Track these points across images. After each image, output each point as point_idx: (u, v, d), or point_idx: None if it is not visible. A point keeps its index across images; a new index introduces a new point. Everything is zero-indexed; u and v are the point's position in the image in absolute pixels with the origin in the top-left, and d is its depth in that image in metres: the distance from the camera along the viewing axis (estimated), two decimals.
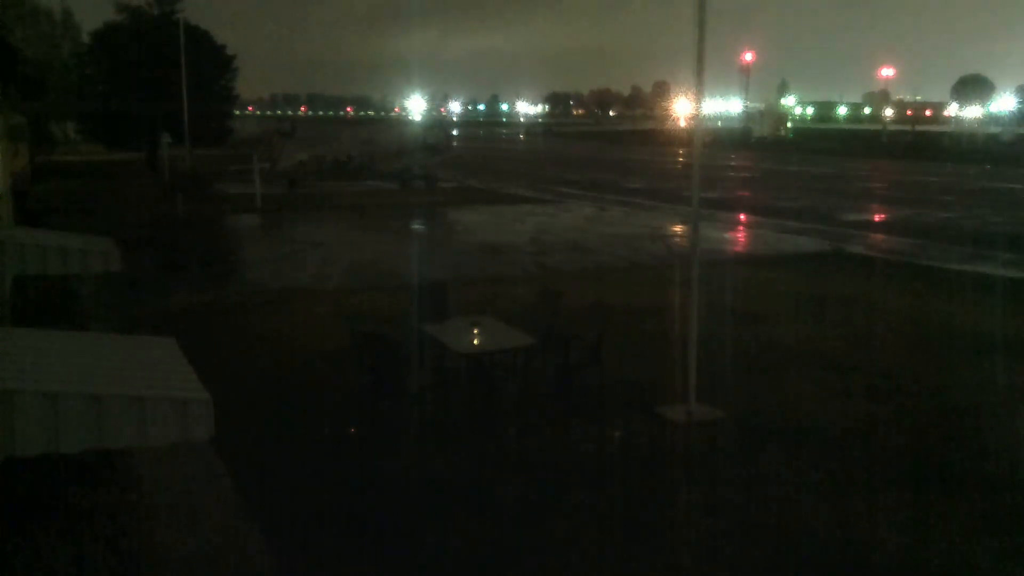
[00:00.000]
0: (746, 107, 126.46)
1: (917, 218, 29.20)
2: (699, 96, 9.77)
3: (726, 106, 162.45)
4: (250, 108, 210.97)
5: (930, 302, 15.89)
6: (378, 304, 14.42)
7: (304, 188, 36.72)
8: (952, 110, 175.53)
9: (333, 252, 21.64)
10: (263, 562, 6.67)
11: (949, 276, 18.61)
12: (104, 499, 6.99)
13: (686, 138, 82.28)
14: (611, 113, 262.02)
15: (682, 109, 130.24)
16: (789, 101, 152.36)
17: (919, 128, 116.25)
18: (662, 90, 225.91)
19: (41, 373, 5.46)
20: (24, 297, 12.20)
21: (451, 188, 38.44)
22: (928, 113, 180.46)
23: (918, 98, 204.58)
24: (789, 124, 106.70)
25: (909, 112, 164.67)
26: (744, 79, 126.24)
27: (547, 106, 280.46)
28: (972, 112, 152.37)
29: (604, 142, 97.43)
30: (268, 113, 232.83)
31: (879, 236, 25.14)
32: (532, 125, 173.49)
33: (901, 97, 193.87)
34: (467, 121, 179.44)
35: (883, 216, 30.63)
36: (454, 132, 47.58)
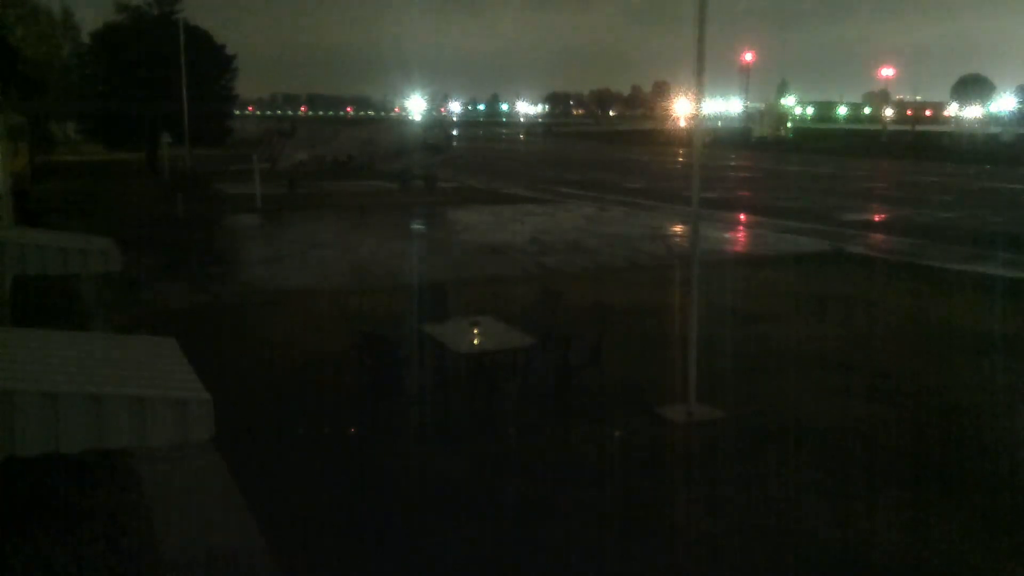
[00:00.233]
0: (746, 107, 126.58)
1: (917, 218, 29.19)
2: (699, 96, 9.78)
3: (726, 106, 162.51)
4: (250, 108, 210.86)
5: (930, 302, 15.90)
6: (378, 304, 14.42)
7: (304, 188, 36.72)
8: (952, 110, 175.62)
9: (333, 252, 21.64)
10: (263, 562, 6.67)
11: (949, 276, 18.61)
12: (104, 499, 6.99)
13: (686, 138, 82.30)
14: (611, 113, 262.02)
15: (682, 109, 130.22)
16: (789, 101, 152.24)
17: (919, 128, 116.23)
18: (662, 90, 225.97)
19: (41, 373, 5.46)
20: (24, 297, 12.21)
21: (451, 188, 38.44)
22: (928, 113, 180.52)
23: (918, 98, 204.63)
24: (789, 124, 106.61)
25: (909, 112, 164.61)
26: (744, 79, 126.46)
27: (547, 106, 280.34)
28: (972, 112, 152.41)
29: (604, 142, 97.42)
30: (268, 113, 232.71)
31: (879, 236, 25.14)
32: (532, 125, 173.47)
33: (901, 97, 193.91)
34: (467, 121, 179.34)
35: (883, 216, 30.63)
36: (454, 132, 47.46)
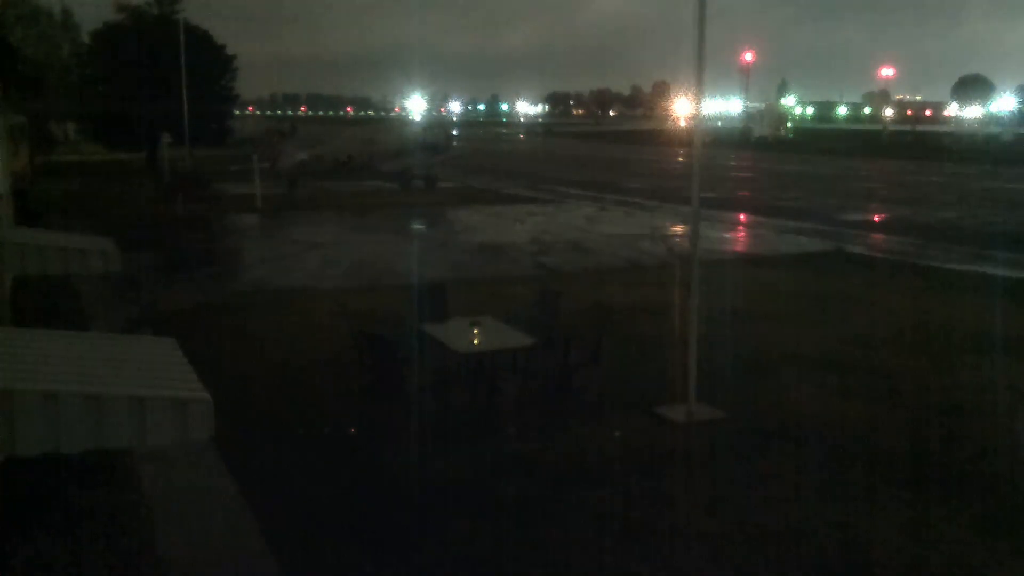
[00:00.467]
0: (746, 107, 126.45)
1: (917, 218, 29.20)
2: (699, 96, 9.77)
3: (726, 106, 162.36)
4: (250, 108, 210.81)
5: (930, 302, 15.89)
6: (378, 304, 14.41)
7: (304, 188, 36.71)
8: (952, 110, 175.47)
9: (333, 252, 21.64)
10: (263, 562, 6.67)
11: (949, 276, 18.62)
12: (104, 499, 6.99)
13: (686, 138, 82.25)
14: (611, 113, 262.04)
15: (682, 109, 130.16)
16: (789, 101, 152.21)
17: (919, 128, 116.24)
18: (662, 90, 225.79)
19: (41, 373, 5.46)
20: (24, 297, 12.22)
21: (451, 188, 38.45)
22: (928, 113, 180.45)
23: (918, 98, 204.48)
24: (789, 124, 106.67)
25: (909, 112, 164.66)
26: (744, 79, 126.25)
27: (547, 106, 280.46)
28: (972, 112, 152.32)
29: (604, 142, 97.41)
30: (268, 113, 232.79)
31: (879, 236, 25.15)
32: (532, 125, 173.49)
33: (901, 97, 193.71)
34: (467, 121, 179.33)
35: (883, 216, 30.62)
36: (454, 132, 47.53)
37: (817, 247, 22.50)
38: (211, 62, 52.74)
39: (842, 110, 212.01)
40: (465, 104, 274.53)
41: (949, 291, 16.90)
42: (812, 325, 13.87)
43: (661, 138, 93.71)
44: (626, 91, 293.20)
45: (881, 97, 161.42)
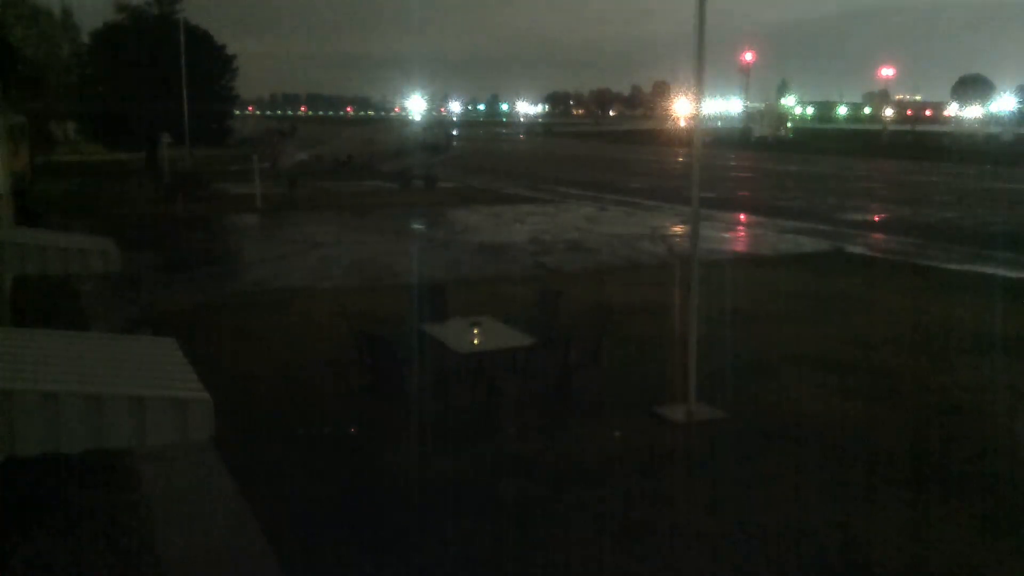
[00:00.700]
0: (746, 107, 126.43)
1: (917, 218, 29.20)
2: (699, 96, 9.77)
3: (726, 106, 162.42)
4: (250, 108, 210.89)
5: (930, 302, 15.89)
6: (378, 304, 14.42)
7: (304, 188, 36.72)
8: (952, 110, 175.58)
9: (333, 252, 21.64)
10: (264, 562, 6.67)
11: (949, 276, 18.62)
12: (104, 499, 6.99)
13: (686, 138, 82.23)
14: (611, 113, 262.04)
15: (682, 109, 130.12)
16: (789, 101, 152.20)
17: (919, 128, 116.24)
18: (662, 90, 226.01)
19: (41, 373, 5.46)
20: (24, 297, 12.22)
21: (451, 188, 38.45)
22: (928, 113, 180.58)
23: (918, 98, 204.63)
24: (789, 124, 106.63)
25: (909, 112, 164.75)
26: (744, 79, 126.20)
27: (547, 106, 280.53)
28: (972, 112, 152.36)
29: (604, 142, 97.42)
30: (268, 113, 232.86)
31: (879, 236, 25.14)
32: (532, 125, 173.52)
33: (901, 97, 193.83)
34: (467, 121, 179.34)
35: (883, 216, 30.62)
36: (454, 132, 47.56)
37: (817, 247, 22.51)
38: (211, 62, 52.80)
39: (842, 110, 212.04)
40: (465, 104, 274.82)
41: (949, 291, 16.90)
42: (812, 325, 13.87)
43: (661, 138, 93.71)
44: (626, 91, 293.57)
45: (881, 97, 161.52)
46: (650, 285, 16.74)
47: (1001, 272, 18.88)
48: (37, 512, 6.79)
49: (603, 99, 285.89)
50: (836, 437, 9.12)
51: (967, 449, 8.89)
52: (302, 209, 30.58)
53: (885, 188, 42.13)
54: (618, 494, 7.78)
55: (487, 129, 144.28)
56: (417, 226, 27.33)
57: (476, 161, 54.03)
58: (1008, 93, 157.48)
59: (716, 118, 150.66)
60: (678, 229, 25.39)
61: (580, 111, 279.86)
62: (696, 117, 10.11)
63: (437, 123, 55.42)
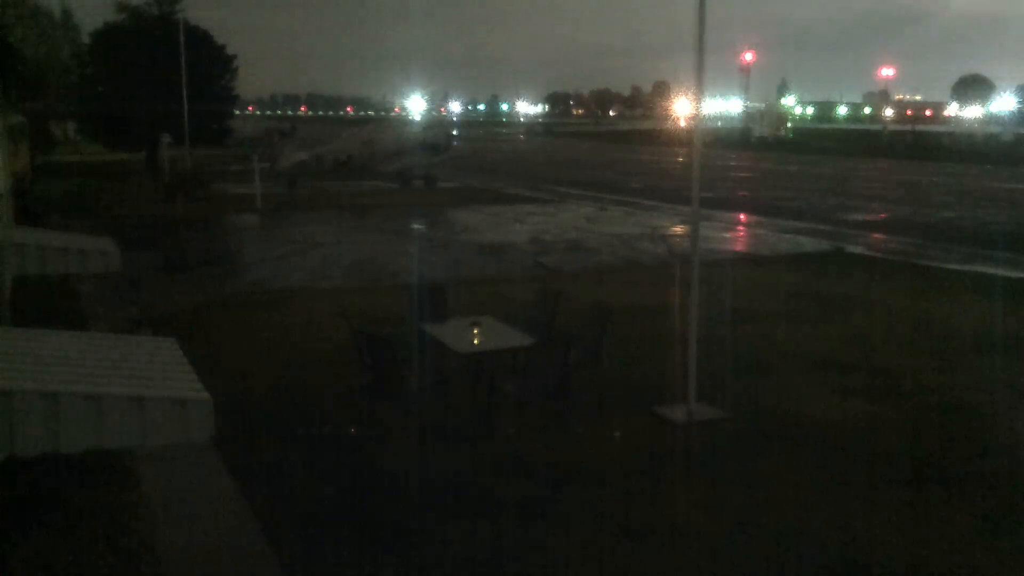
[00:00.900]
0: (746, 107, 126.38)
1: (917, 218, 29.20)
2: (699, 96, 9.77)
3: (726, 106, 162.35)
4: (250, 108, 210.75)
5: (930, 301, 15.88)
6: (378, 304, 14.42)
7: (304, 188, 36.72)
8: (952, 110, 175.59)
9: (333, 252, 21.64)
10: (264, 562, 6.67)
11: (949, 276, 18.61)
12: (104, 499, 6.98)
13: (686, 138, 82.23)
14: (611, 113, 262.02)
15: (682, 109, 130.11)
16: (789, 101, 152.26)
17: (919, 128, 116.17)
18: (662, 90, 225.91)
19: (41, 373, 5.46)
20: (24, 297, 12.21)
21: (451, 188, 38.45)
22: (928, 113, 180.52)
23: (918, 98, 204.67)
24: (789, 124, 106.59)
25: (909, 112, 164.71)
26: (744, 79, 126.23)
27: (547, 106, 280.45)
28: (972, 112, 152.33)
29: (604, 142, 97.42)
30: (268, 113, 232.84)
31: (879, 236, 25.13)
32: (532, 125, 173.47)
33: (901, 97, 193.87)
34: (467, 121, 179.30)
35: (883, 216, 30.62)
36: (454, 132, 47.59)
37: (817, 247, 22.50)
38: (211, 62, 52.77)
39: (842, 110, 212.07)
40: (465, 104, 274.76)
41: (949, 291, 16.90)
42: (812, 324, 13.87)
43: (661, 138, 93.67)
44: (626, 91, 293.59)
45: (881, 97, 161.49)
46: (650, 285, 16.74)
47: (1001, 272, 18.88)
48: (37, 512, 6.79)
49: (603, 99, 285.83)
50: (836, 437, 9.12)
51: (968, 449, 8.88)
52: (302, 209, 30.58)
53: (885, 188, 42.11)
54: (618, 494, 7.78)
55: (487, 129, 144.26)
56: (417, 226, 27.32)
57: (476, 161, 54.01)
58: (1008, 93, 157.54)
59: (716, 118, 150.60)
60: (678, 229, 25.38)
61: (580, 111, 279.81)
62: (696, 117, 10.11)
63: (437, 123, 55.37)
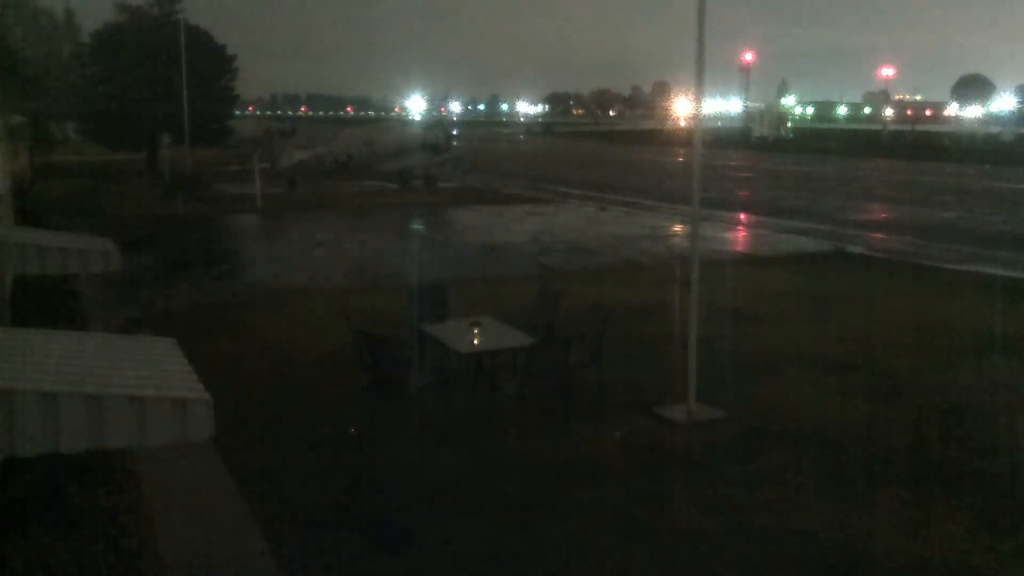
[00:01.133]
0: (746, 107, 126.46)
1: (917, 218, 29.19)
2: (699, 96, 9.77)
3: (726, 106, 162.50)
4: (250, 108, 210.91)
5: (930, 301, 15.89)
6: (378, 304, 14.42)
7: (304, 188, 36.73)
8: (952, 110, 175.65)
9: (333, 252, 21.65)
10: (263, 562, 6.67)
11: (950, 275, 18.61)
12: (104, 499, 6.98)
13: (686, 138, 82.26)
14: (611, 113, 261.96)
15: (682, 109, 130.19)
16: (789, 101, 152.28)
17: (919, 128, 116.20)
18: (662, 90, 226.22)
19: (41, 373, 5.45)
20: (24, 297, 12.20)
21: (451, 188, 38.45)
22: (928, 113, 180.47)
23: (918, 98, 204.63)
24: (789, 124, 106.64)
25: (909, 112, 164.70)
26: (744, 79, 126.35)
27: (547, 106, 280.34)
28: (972, 112, 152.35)
29: (604, 142, 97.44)
30: (268, 113, 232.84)
31: (879, 236, 25.14)
32: (532, 125, 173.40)
33: (901, 97, 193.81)
34: (467, 121, 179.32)
35: (883, 216, 30.63)
36: (455, 132, 47.64)
37: (817, 247, 22.50)
38: (211, 62, 52.69)
39: (842, 110, 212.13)
40: (465, 104, 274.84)
41: (950, 291, 16.90)
42: (812, 324, 13.86)
43: (661, 138, 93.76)
44: (626, 91, 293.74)
45: (881, 97, 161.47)
46: (650, 285, 16.74)
47: (1001, 272, 18.88)
48: (37, 512, 6.78)
49: (603, 99, 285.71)
50: (837, 437, 9.12)
51: (968, 449, 8.88)
52: (302, 209, 30.59)
53: (884, 188, 42.12)
54: (618, 494, 7.78)
55: (487, 129, 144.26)
56: (417, 226, 27.33)
57: (476, 161, 54.00)
58: (1008, 93, 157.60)
59: (716, 118, 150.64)
60: (678, 229, 25.39)
61: (580, 111, 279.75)
62: (696, 117, 10.11)
63: (437, 123, 55.40)
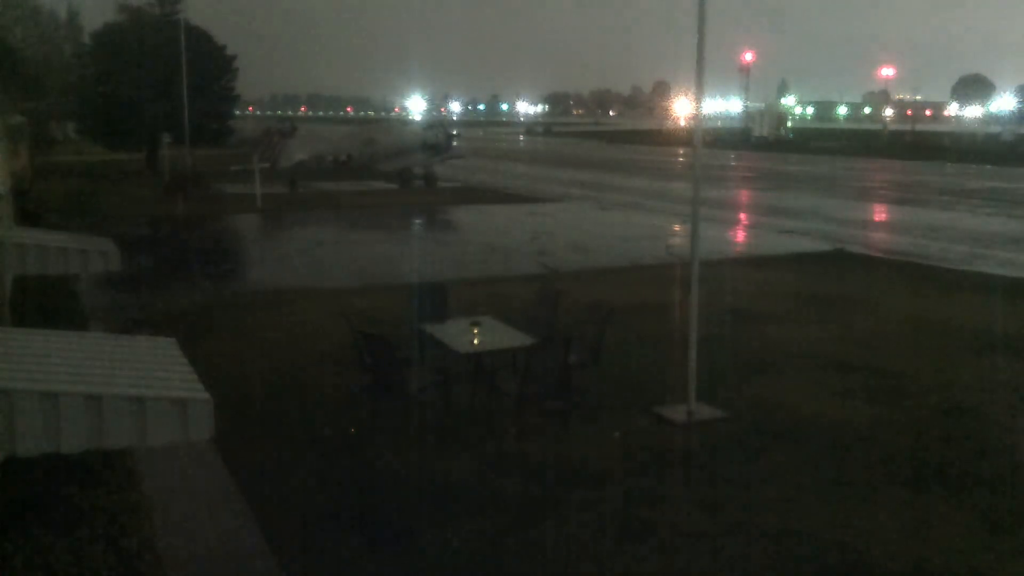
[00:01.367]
0: (746, 107, 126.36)
1: (918, 217, 29.19)
2: (699, 96, 9.76)
3: (726, 106, 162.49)
4: (250, 108, 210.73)
5: (931, 301, 15.89)
6: (378, 304, 14.42)
7: (304, 188, 36.74)
8: (952, 110, 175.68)
9: (333, 252, 21.65)
10: (263, 562, 6.67)
11: (950, 275, 18.61)
12: (104, 499, 6.98)
13: (686, 138, 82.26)
14: (611, 113, 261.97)
15: (682, 109, 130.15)
16: (789, 101, 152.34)
17: (919, 128, 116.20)
18: (662, 90, 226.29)
19: (41, 373, 5.45)
20: (24, 297, 12.20)
21: (451, 188, 38.46)
22: (928, 113, 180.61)
23: (918, 98, 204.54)
24: (789, 124, 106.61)
25: (909, 112, 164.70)
26: (744, 79, 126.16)
27: (547, 106, 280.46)
28: (972, 112, 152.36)
29: (604, 142, 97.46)
30: (268, 113, 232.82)
31: (879, 235, 25.15)
32: (532, 125, 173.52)
33: (901, 97, 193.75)
34: (467, 121, 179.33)
35: (883, 216, 30.63)
36: (454, 132, 47.68)
37: (817, 247, 22.50)
38: (211, 62, 52.69)
39: (842, 110, 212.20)
40: (465, 104, 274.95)
41: (950, 291, 16.90)
42: (813, 324, 13.86)
43: (661, 138, 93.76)
44: (626, 91, 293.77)
45: (881, 97, 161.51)
46: (650, 285, 16.74)
47: (1000, 272, 18.88)
48: (37, 512, 6.79)
49: (603, 99, 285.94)
50: (837, 437, 9.11)
51: (968, 449, 8.88)
52: (302, 209, 30.59)
53: (885, 188, 42.12)
54: (618, 494, 7.78)
55: (487, 129, 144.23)
56: (417, 226, 27.32)
57: (476, 161, 54.02)
58: (1008, 93, 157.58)
59: (716, 118, 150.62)
60: (678, 228, 25.39)
61: (579, 111, 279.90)
62: (696, 117, 10.10)
63: (437, 123, 55.42)
